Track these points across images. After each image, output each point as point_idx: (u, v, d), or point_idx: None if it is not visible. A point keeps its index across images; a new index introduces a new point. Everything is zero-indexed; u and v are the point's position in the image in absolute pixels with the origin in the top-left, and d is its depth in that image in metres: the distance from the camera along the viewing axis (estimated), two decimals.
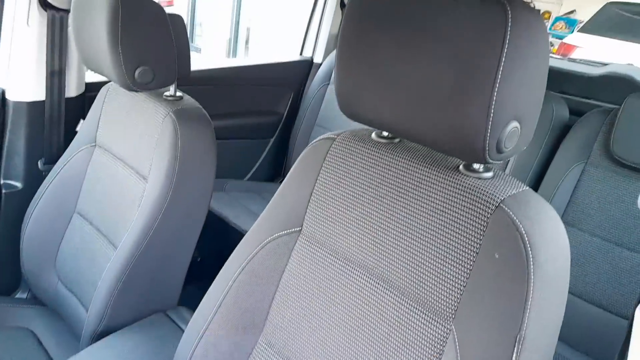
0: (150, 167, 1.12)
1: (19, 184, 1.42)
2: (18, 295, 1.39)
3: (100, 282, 1.10)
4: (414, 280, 0.69)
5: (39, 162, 1.44)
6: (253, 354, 0.84)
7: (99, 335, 1.07)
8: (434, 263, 0.67)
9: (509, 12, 0.55)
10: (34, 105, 1.40)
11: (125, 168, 1.19)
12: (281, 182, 1.01)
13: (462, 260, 0.64)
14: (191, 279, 1.27)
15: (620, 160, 1.33)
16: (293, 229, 0.84)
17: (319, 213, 0.81)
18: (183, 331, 1.04)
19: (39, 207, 1.29)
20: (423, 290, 0.68)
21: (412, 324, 0.68)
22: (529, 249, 0.59)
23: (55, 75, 1.40)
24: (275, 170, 2.16)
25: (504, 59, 0.56)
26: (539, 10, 0.59)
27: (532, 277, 0.58)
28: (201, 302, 0.88)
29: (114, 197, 1.19)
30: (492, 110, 0.58)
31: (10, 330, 1.24)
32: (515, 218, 0.61)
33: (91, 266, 1.18)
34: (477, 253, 0.63)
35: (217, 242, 1.66)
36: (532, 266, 0.59)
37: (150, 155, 1.13)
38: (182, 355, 0.87)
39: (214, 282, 0.88)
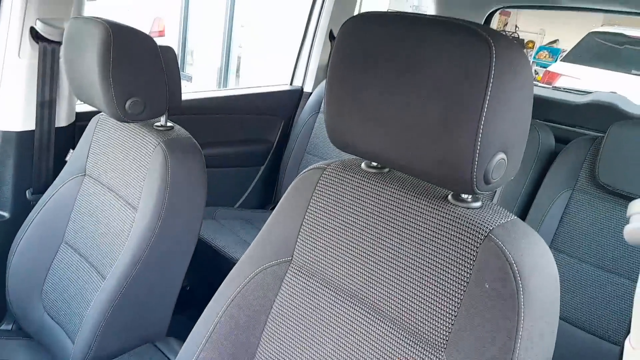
0: (139, 197, 1.12)
1: (6, 214, 1.41)
2: (3, 327, 1.37)
3: (87, 312, 1.08)
4: (405, 309, 0.69)
5: (27, 192, 1.43)
6: None
7: None
8: (425, 292, 0.67)
9: (493, 48, 0.57)
10: (23, 135, 1.39)
11: (115, 198, 1.19)
12: (272, 209, 1.01)
13: (452, 290, 0.65)
14: (180, 308, 1.26)
15: (606, 187, 1.35)
16: (283, 259, 0.84)
17: (309, 243, 0.81)
18: None
19: (26, 237, 1.27)
20: (414, 320, 0.68)
21: (404, 353, 0.68)
22: (519, 278, 0.60)
23: (46, 105, 1.40)
24: (266, 198, 2.16)
25: (489, 94, 0.57)
26: (522, 40, 0.61)
27: (523, 306, 0.59)
28: (190, 334, 0.87)
29: (103, 227, 1.19)
30: (479, 143, 0.59)
31: None
32: (504, 247, 0.62)
33: (78, 297, 1.17)
34: (467, 282, 0.64)
35: (206, 270, 1.65)
36: (522, 296, 0.59)
37: (140, 185, 1.13)
38: None
39: (204, 313, 0.88)
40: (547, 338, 0.62)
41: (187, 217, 1.13)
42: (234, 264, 0.89)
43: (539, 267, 0.62)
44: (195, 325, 0.87)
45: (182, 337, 1.02)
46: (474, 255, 0.64)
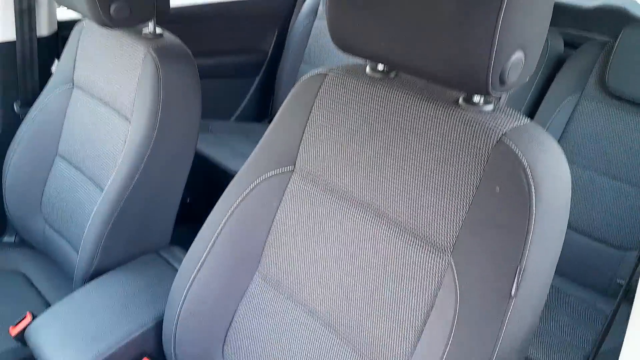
0: (132, 108, 1.08)
1: None
2: (5, 239, 1.38)
3: (88, 224, 1.08)
4: (412, 214, 0.68)
5: (14, 105, 1.39)
6: (249, 290, 0.85)
7: (92, 276, 1.06)
8: (433, 197, 0.66)
9: None
10: (4, 47, 1.33)
11: (107, 109, 1.15)
12: (269, 122, 0.98)
13: (461, 194, 0.64)
14: (182, 220, 1.26)
15: (616, 93, 1.32)
16: (285, 168, 0.82)
17: (312, 151, 0.79)
18: (176, 270, 1.04)
19: (18, 151, 1.25)
20: (421, 224, 0.67)
21: (410, 257, 0.68)
22: (531, 182, 0.58)
23: (25, 13, 1.33)
24: (262, 111, 2.11)
25: None
26: None
27: (534, 210, 0.58)
28: (194, 241, 0.88)
29: (97, 139, 1.16)
30: (497, 39, 0.55)
31: (1, 274, 1.23)
32: (517, 151, 0.60)
33: (78, 209, 1.16)
34: (477, 187, 0.62)
35: (205, 183, 1.64)
36: (534, 200, 0.58)
37: (131, 95, 1.08)
38: (177, 293, 0.87)
39: (206, 221, 0.87)
40: (555, 242, 0.62)
41: (183, 126, 1.10)
42: (232, 176, 0.87)
43: (553, 171, 0.61)
44: (198, 234, 0.87)
45: (185, 247, 1.03)
46: (485, 159, 0.62)
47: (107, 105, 1.15)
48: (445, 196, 0.65)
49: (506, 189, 0.60)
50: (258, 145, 0.86)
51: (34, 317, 0.96)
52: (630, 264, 1.30)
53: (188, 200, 1.74)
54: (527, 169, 0.59)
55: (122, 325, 0.92)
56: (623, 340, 1.10)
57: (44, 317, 0.95)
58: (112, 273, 1.05)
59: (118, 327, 0.91)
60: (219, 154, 1.64)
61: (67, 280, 1.19)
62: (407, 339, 0.67)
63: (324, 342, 0.75)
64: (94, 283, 1.02)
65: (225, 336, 0.86)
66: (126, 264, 1.08)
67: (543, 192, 0.59)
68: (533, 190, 0.58)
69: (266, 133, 0.85)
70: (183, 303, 0.86)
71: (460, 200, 0.64)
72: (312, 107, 0.79)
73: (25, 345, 0.94)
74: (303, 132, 0.80)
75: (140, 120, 1.06)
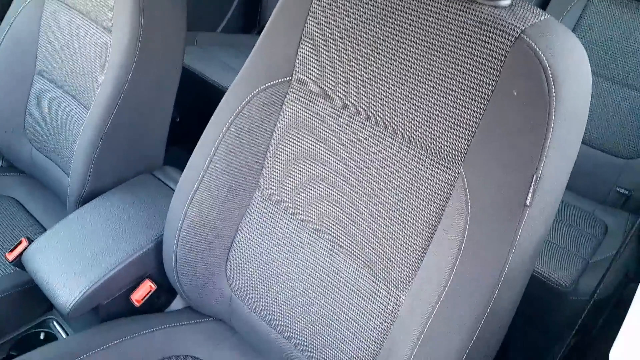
0: (112, 18, 0.99)
1: None
2: None
3: (76, 146, 1.03)
4: (419, 124, 0.64)
5: None
6: (249, 209, 0.82)
7: (85, 198, 1.03)
8: (442, 105, 0.62)
9: None
10: None
11: (85, 20, 1.05)
12: (258, 33, 0.91)
13: (474, 100, 0.59)
14: (173, 141, 1.22)
15: None
16: (282, 79, 0.76)
17: (311, 58, 0.73)
18: (172, 190, 1.01)
19: None
20: (430, 134, 0.63)
21: (417, 170, 0.65)
22: (552, 83, 0.54)
23: None
24: (249, 21, 1.99)
25: None
26: None
27: (554, 114, 0.54)
28: (190, 159, 0.84)
29: (77, 54, 1.08)
30: None
31: None
32: (537, 49, 0.55)
33: (64, 130, 1.11)
34: (492, 91, 0.58)
35: (194, 101, 1.57)
36: (554, 102, 0.54)
37: (110, 3, 0.99)
38: (175, 213, 0.84)
39: (201, 139, 0.83)
40: (573, 147, 0.58)
41: (168, 38, 1.02)
42: (222, 91, 0.82)
43: (574, 71, 0.56)
44: (193, 152, 0.83)
45: (179, 167, 0.99)
46: (501, 60, 0.57)
47: (83, 16, 1.06)
48: (457, 103, 0.60)
49: (524, 91, 0.55)
50: (250, 56, 0.79)
51: (29, 241, 0.94)
52: (632, 172, 1.28)
53: (178, 120, 1.68)
54: (548, 69, 0.54)
55: (120, 247, 0.90)
56: (617, 250, 1.11)
57: (40, 242, 0.93)
58: (107, 195, 1.01)
59: (116, 249, 0.90)
60: (208, 69, 1.56)
61: (61, 204, 1.16)
62: (414, 252, 0.65)
63: (328, 259, 0.74)
64: (88, 205, 0.99)
65: (228, 255, 0.85)
66: (120, 185, 1.04)
67: (564, 94, 0.54)
68: (554, 91, 0.54)
69: (259, 41, 0.78)
70: (182, 223, 0.83)
71: (474, 106, 0.59)
72: (308, 10, 0.72)
73: (24, 269, 0.93)
74: (300, 39, 0.74)
75: (121, 30, 0.97)
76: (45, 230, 0.97)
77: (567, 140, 0.57)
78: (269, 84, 0.77)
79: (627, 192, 1.31)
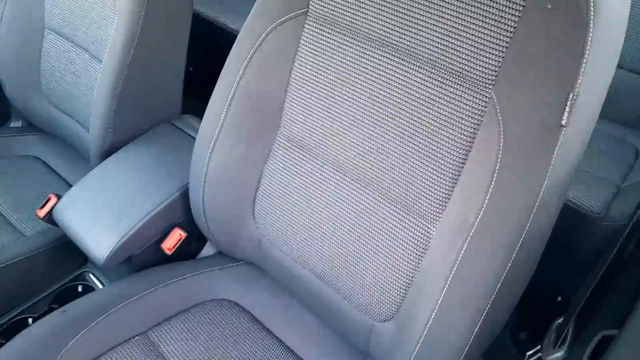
0: None
1: None
2: (13, 124, 1.33)
3: (93, 99, 1.02)
4: (445, 47, 0.61)
5: None
6: (273, 150, 0.81)
7: (107, 152, 1.03)
8: (469, 24, 0.58)
9: None
10: None
11: None
12: None
13: (504, 16, 0.56)
14: (188, 91, 1.20)
15: None
16: (298, 11, 0.73)
17: None
18: (194, 138, 1.00)
19: (3, 30, 1.14)
20: (456, 58, 0.60)
21: (445, 97, 0.62)
22: (591, 7, 0.50)
23: None
24: None
25: None
26: None
27: (591, 27, 0.50)
28: (209, 104, 0.82)
29: (85, 4, 1.05)
30: None
31: (16, 159, 1.21)
32: None
33: (80, 84, 1.10)
34: (523, 6, 0.54)
35: (207, 48, 1.54)
36: (592, 16, 0.50)
37: None
38: (199, 159, 0.84)
39: (219, 80, 0.81)
40: (610, 66, 0.55)
41: None
42: (236, 36, 0.79)
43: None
44: (212, 96, 0.82)
45: (198, 116, 0.98)
46: None
47: None
48: (485, 20, 0.57)
49: (559, 3, 0.52)
50: None
51: (58, 198, 0.95)
52: None
53: (191, 69, 1.65)
54: None
55: (147, 197, 0.90)
56: None
57: (68, 197, 0.94)
58: (128, 147, 1.01)
59: (144, 200, 0.90)
60: (219, 13, 1.51)
61: (83, 159, 1.17)
62: (444, 183, 0.64)
63: (355, 196, 0.73)
64: (112, 159, 1.00)
65: (254, 199, 0.84)
66: (141, 136, 1.04)
67: (602, 7, 0.51)
68: (592, 4, 0.50)
69: None
70: (207, 169, 0.83)
71: (503, 24, 0.56)
72: None
73: (56, 225, 0.95)
74: None
75: None
76: (71, 186, 0.98)
77: (605, 56, 0.53)
78: (284, 17, 0.74)
79: None
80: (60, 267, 1.04)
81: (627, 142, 1.26)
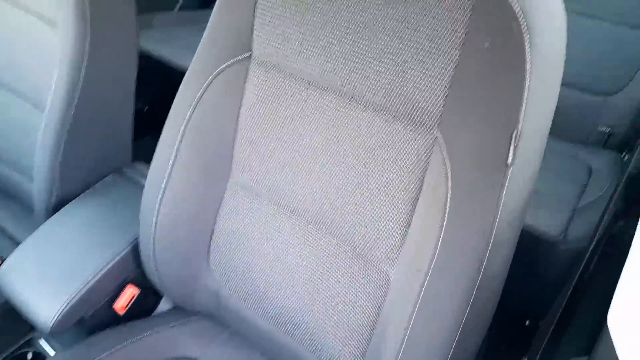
0: (56, 12, 0.92)
1: None
2: None
3: (37, 151, 0.98)
4: (388, 88, 0.60)
5: None
6: (225, 197, 0.78)
7: (54, 207, 0.98)
8: (410, 65, 0.58)
9: None
10: None
11: (27, 16, 0.98)
12: None
13: (443, 56, 0.55)
14: (142, 132, 1.16)
15: None
16: (242, 56, 0.71)
17: (268, 30, 0.68)
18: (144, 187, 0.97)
19: None
20: (398, 99, 0.59)
21: (392, 137, 0.61)
22: (526, 29, 0.50)
23: None
24: None
25: None
26: None
27: (530, 65, 0.50)
28: (155, 153, 0.79)
29: (24, 53, 1.01)
30: None
31: None
32: None
33: (22, 136, 1.05)
34: (462, 44, 0.54)
35: (160, 87, 1.51)
36: (528, 51, 0.50)
37: None
38: (148, 211, 0.80)
39: (164, 129, 0.78)
40: (552, 100, 0.55)
41: (118, 24, 0.96)
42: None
43: (549, 15, 0.52)
44: (157, 146, 0.79)
45: (149, 161, 0.95)
46: (469, 9, 0.53)
47: (26, 11, 0.98)
48: (425, 61, 0.56)
49: (497, 42, 0.52)
50: (205, 33, 0.74)
51: (1, 260, 0.90)
52: (612, 109, 1.26)
53: (145, 110, 1.62)
54: (521, 16, 0.50)
55: (96, 255, 0.86)
56: (604, 193, 1.08)
57: (13, 259, 0.89)
58: (76, 201, 0.97)
59: (93, 258, 0.85)
60: (168, 52, 1.49)
61: (30, 213, 1.11)
62: (398, 225, 0.63)
63: (312, 242, 0.71)
64: (58, 215, 0.95)
65: (209, 248, 0.81)
66: (89, 189, 0.99)
67: (539, 42, 0.51)
68: (528, 40, 0.50)
69: (212, 17, 0.73)
70: (156, 220, 0.79)
71: (443, 64, 0.55)
72: None
73: None
74: (254, 8, 0.68)
75: (66, 25, 0.91)
76: (19, 243, 0.92)
77: (545, 90, 0.53)
78: (228, 63, 0.72)
79: (608, 130, 1.29)
80: (7, 334, 0.98)
81: (579, 160, 1.29)
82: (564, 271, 0.97)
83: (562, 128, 1.32)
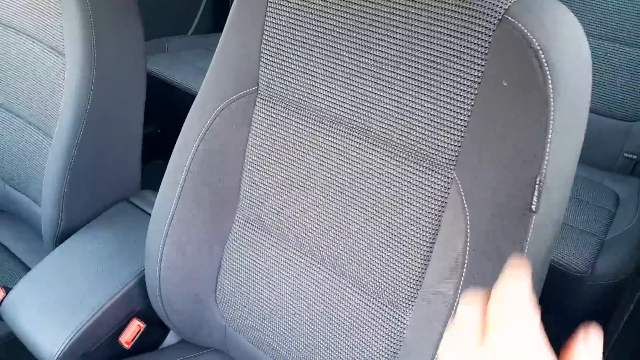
0: (62, 39, 0.91)
1: None
2: None
3: (44, 179, 0.97)
4: (401, 128, 0.57)
5: None
6: (232, 232, 0.76)
7: (62, 235, 0.97)
8: (425, 104, 0.54)
9: None
10: None
11: (35, 44, 0.98)
12: None
13: (460, 95, 0.52)
14: (155, 155, 1.15)
15: None
16: (248, 90, 0.69)
17: (275, 65, 0.66)
18: None
19: None
20: (413, 139, 0.56)
21: (404, 179, 0.58)
22: (546, 67, 0.46)
23: None
24: (221, 18, 1.90)
25: None
26: None
27: (552, 102, 0.46)
28: (162, 184, 0.77)
29: (32, 80, 1.00)
30: None
31: None
32: (525, 30, 0.47)
33: (32, 161, 1.04)
34: (479, 83, 0.50)
35: (173, 110, 1.50)
36: (550, 89, 0.46)
37: (58, 24, 0.91)
38: (153, 245, 0.78)
39: (170, 160, 0.76)
40: (577, 139, 0.51)
41: (125, 50, 0.95)
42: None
43: (571, 49, 0.48)
44: (163, 180, 0.76)
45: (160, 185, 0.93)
46: (485, 46, 0.49)
47: (34, 39, 0.98)
48: (441, 100, 0.53)
49: (515, 81, 0.48)
50: (211, 66, 0.72)
51: (7, 290, 0.88)
52: (638, 135, 1.21)
53: (159, 132, 1.61)
54: (540, 52, 0.47)
55: (102, 287, 0.83)
56: (633, 225, 1.03)
57: (18, 290, 0.87)
58: (83, 231, 0.95)
59: (98, 290, 0.83)
60: (181, 76, 1.48)
61: (41, 238, 1.10)
62: (412, 270, 0.59)
63: (321, 281, 0.67)
64: (65, 245, 0.93)
65: (216, 283, 0.78)
66: (96, 218, 0.98)
67: (562, 80, 0.47)
68: (549, 77, 0.47)
69: (218, 49, 0.71)
70: (161, 255, 0.77)
71: (460, 103, 0.52)
72: (266, 9, 0.65)
73: (1, 320, 0.87)
74: (261, 42, 0.66)
75: (74, 53, 0.90)
76: (29, 268, 0.90)
77: (570, 128, 0.49)
78: (234, 96, 0.70)
79: (635, 157, 1.24)
80: None
81: (606, 187, 1.23)
82: (592, 307, 0.92)
83: (587, 154, 1.26)
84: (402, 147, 0.57)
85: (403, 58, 0.55)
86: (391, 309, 0.62)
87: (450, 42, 0.51)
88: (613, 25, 1.21)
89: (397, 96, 0.56)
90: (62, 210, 0.96)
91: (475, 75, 0.50)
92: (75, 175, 0.95)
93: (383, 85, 0.57)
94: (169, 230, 0.76)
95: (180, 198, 0.74)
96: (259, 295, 0.74)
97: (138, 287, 0.85)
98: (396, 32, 0.54)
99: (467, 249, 0.53)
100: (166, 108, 1.54)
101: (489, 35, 0.49)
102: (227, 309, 0.78)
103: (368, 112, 0.59)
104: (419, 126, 0.55)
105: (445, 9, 0.51)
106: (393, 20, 0.54)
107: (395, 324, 0.61)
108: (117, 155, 1.02)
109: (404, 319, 0.61)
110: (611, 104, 1.23)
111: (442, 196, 0.55)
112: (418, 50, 0.53)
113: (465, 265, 0.53)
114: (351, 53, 0.58)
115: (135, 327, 0.84)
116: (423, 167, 0.56)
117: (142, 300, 0.86)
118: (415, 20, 0.53)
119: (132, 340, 0.84)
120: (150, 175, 1.10)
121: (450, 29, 0.51)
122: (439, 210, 0.56)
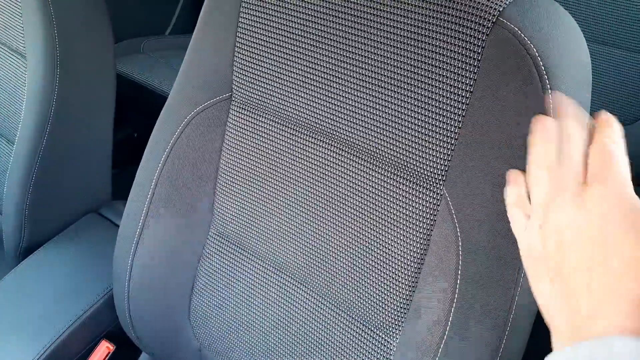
0: (24, 40, 0.85)
1: None
2: None
3: (5, 189, 0.90)
4: (387, 140, 0.52)
5: None
6: (206, 250, 0.71)
7: (25, 250, 0.91)
8: (411, 115, 0.50)
9: None
10: None
11: None
12: None
13: (450, 106, 0.47)
14: (131, 160, 1.08)
15: None
16: (221, 97, 0.64)
17: (250, 70, 0.61)
18: None
19: None
20: (399, 152, 0.52)
21: (390, 194, 0.53)
22: (544, 74, 0.42)
23: None
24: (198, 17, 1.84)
25: None
26: None
27: (552, 113, 0.42)
28: (129, 196, 0.72)
29: None
30: None
31: None
32: (522, 34, 0.43)
33: None
34: (470, 92, 0.46)
35: (149, 112, 1.44)
36: (551, 99, 0.42)
37: (18, 25, 0.86)
38: (121, 263, 0.72)
39: (138, 170, 0.71)
40: None
41: (91, 52, 0.89)
42: None
43: (571, 54, 0.45)
44: (131, 190, 0.71)
45: None
46: (478, 52, 0.45)
47: None
48: (429, 110, 0.49)
49: (512, 88, 0.44)
50: (181, 70, 0.67)
51: None
52: (630, 139, 1.18)
53: (135, 136, 1.55)
54: (538, 58, 0.43)
55: (68, 306, 0.78)
56: None
57: None
58: (47, 246, 0.89)
59: (64, 310, 0.77)
60: (157, 77, 1.42)
61: (2, 253, 1.03)
62: (399, 291, 0.54)
63: (301, 302, 0.63)
64: (28, 260, 0.87)
65: (190, 304, 0.73)
66: (62, 231, 0.92)
67: (562, 88, 0.43)
68: (547, 84, 0.43)
69: (188, 52, 0.66)
70: (130, 274, 0.71)
71: (450, 113, 0.48)
72: (239, 11, 0.60)
73: None
74: (234, 46, 0.61)
75: (36, 55, 0.84)
76: None
77: None
78: (207, 103, 0.65)
79: (629, 160, 1.21)
80: None
81: None
82: None
83: None
84: (387, 160, 0.53)
85: (387, 64, 0.50)
86: (377, 333, 0.57)
87: (440, 47, 0.47)
88: (606, 29, 1.18)
89: (382, 105, 0.51)
90: (24, 222, 0.90)
91: (466, 84, 0.46)
92: (39, 185, 0.89)
93: (366, 93, 0.52)
94: (137, 249, 0.70)
95: (149, 212, 0.69)
96: (234, 317, 0.69)
97: (107, 306, 0.79)
98: (380, 36, 0.50)
99: (459, 268, 0.49)
100: (142, 111, 1.47)
101: (482, 40, 0.45)
102: (201, 330, 0.73)
103: (350, 122, 0.54)
104: (405, 138, 0.51)
105: (433, 10, 0.47)
106: (377, 22, 0.50)
107: (381, 348, 0.57)
108: (85, 163, 0.95)
109: (390, 343, 0.56)
110: (605, 107, 1.20)
111: (431, 213, 0.51)
112: (404, 57, 0.49)
113: (458, 286, 0.49)
114: (331, 58, 0.54)
115: (104, 350, 0.79)
116: (410, 182, 0.52)
117: (111, 320, 0.80)
118: (401, 23, 0.49)
119: None
120: (125, 183, 1.04)
121: (439, 32, 0.47)
122: (428, 228, 0.51)
